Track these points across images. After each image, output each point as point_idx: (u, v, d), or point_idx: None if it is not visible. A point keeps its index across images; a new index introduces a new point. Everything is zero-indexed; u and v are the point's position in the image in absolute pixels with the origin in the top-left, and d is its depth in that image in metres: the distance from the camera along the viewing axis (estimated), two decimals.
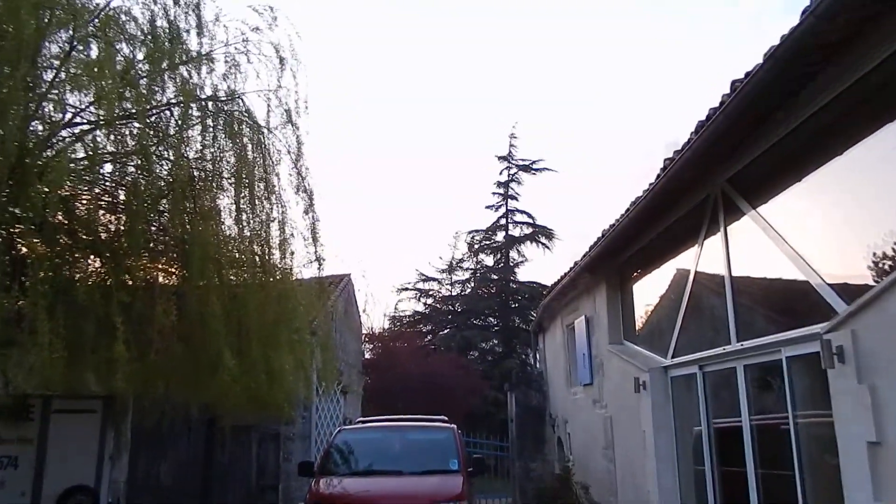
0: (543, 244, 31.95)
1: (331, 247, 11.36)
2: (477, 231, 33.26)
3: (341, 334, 16.26)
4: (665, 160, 7.50)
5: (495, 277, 32.77)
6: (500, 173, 32.83)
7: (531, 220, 32.36)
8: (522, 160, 32.76)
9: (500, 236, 32.76)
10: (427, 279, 33.75)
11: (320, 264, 9.09)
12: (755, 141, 6.42)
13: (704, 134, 6.42)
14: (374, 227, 51.62)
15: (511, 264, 32.23)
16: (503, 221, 32.64)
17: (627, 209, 8.84)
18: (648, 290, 10.28)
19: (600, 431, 11.41)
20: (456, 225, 64.45)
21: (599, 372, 11.67)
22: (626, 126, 50.98)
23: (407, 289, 33.53)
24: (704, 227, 7.81)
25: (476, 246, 33.34)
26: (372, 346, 27.01)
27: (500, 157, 32.77)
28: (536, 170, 32.50)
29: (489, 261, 33.06)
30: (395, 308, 33.30)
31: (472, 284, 33.47)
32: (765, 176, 6.64)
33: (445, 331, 32.12)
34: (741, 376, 6.70)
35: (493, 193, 32.81)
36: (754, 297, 6.88)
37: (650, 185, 7.98)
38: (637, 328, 10.70)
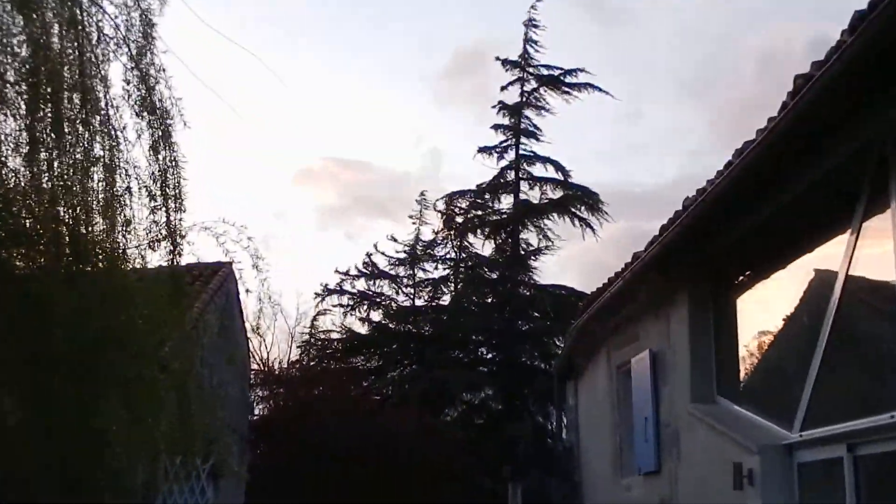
0: (582, 219, 32.11)
1: (200, 213, 11.35)
2: (463, 192, 33.39)
3: (214, 370, 16.08)
4: (796, 79, 7.56)
5: (493, 276, 32.92)
6: (506, 88, 32.97)
7: (561, 177, 32.50)
8: (548, 68, 32.91)
9: (504, 202, 33.11)
10: (373, 275, 33.80)
11: (177, 244, 9.08)
12: None
13: (868, 33, 6.42)
14: (283, 180, 51.89)
15: (522, 253, 32.47)
16: (510, 176, 32.79)
17: (729, 164, 8.92)
18: (762, 308, 10.40)
19: None
20: (426, 181, 64.68)
21: (672, 451, 11.81)
22: (735, 24, 51.10)
23: (338, 290, 33.54)
24: (863, 198, 7.87)
25: (461, 220, 33.59)
26: (270, 392, 26.95)
27: (506, 62, 32.90)
28: (572, 86, 32.56)
29: (484, 248, 33.44)
30: (313, 326, 33.43)
31: (453, 289, 33.57)
32: None
33: (404, 370, 32.23)
34: None
35: (495, 127, 32.90)
36: None
37: (770, 121, 8.05)
38: (740, 374, 10.85)
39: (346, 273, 33.53)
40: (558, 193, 32.66)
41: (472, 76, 49.78)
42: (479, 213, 33.46)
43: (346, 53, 52.47)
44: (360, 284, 33.80)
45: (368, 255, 33.83)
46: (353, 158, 53.59)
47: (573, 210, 32.39)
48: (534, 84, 32.91)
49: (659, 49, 50.20)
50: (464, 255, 33.73)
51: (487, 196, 33.27)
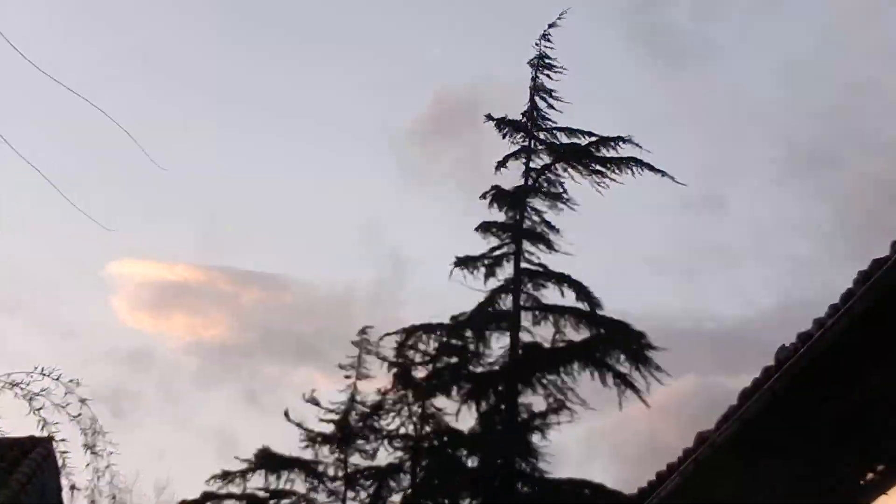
0: (619, 376, 31.75)
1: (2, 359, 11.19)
2: (429, 328, 33.55)
3: None
4: None
5: (475, 463, 32.65)
6: (503, 166, 33.59)
7: (586, 305, 32.43)
8: (570, 133, 33.54)
9: (495, 346, 33.04)
10: (277, 465, 33.77)
11: None
12: None
13: None
14: (141, 300, 51.23)
15: (521, 425, 31.92)
16: (505, 304, 32.90)
17: (849, 294, 8.83)
18: None
19: None
20: (378, 309, 65.06)
21: None
22: (873, 62, 51.17)
23: (214, 497, 33.71)
24: None
25: (423, 373, 33.89)
26: None
27: (503, 124, 33.66)
28: (609, 164, 33.00)
29: (461, 418, 32.99)
30: None
31: (409, 483, 33.35)
32: None
33: None
34: None
35: (483, 227, 33.22)
36: None
37: None
38: None
39: (228, 477, 33.52)
40: (581, 332, 32.63)
41: (457, 137, 49.40)
42: (455, 360, 33.34)
43: (255, 102, 52.40)
44: (257, 480, 33.95)
45: (263, 450, 33.69)
46: (261, 270, 52.76)
47: (606, 360, 32.04)
48: (545, 158, 33.54)
49: (753, 101, 50.09)
50: (428, 430, 33.71)
51: (469, 334, 33.18)
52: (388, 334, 34.05)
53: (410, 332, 33.69)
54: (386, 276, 49.20)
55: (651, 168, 32.61)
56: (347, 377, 34.86)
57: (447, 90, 53.58)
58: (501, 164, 33.28)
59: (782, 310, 42.99)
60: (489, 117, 33.73)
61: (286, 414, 34.04)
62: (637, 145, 32.68)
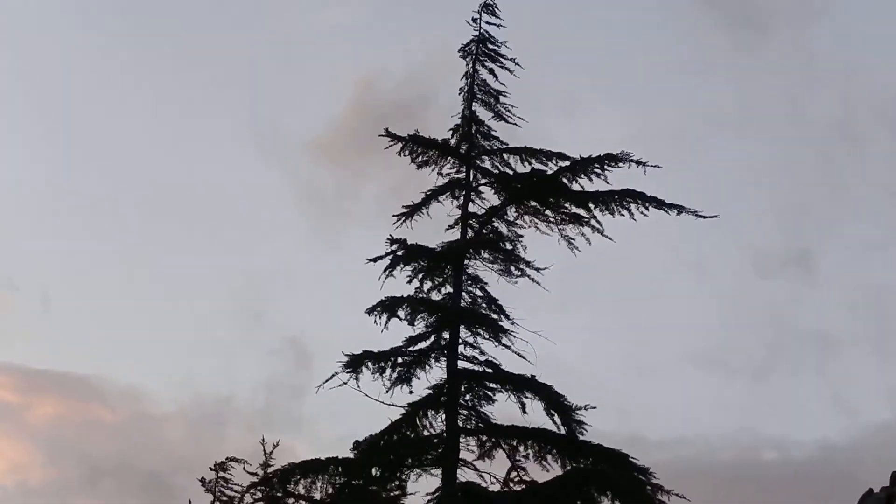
0: None
1: None
2: (311, 466, 27.22)
3: None
4: None
5: None
6: (418, 212, 28.02)
7: (562, 427, 26.36)
8: (521, 156, 27.40)
9: (415, 493, 27.23)
10: None
11: None
12: None
13: None
14: None
15: None
16: (431, 422, 26.28)
17: None
18: None
19: None
20: (252, 436, 60.12)
21: None
22: None
23: None
24: None
25: None
26: None
27: (415, 144, 27.77)
28: (587, 204, 26.83)
29: None
30: None
31: None
32: None
33: None
34: None
35: (381, 308, 26.61)
36: None
37: None
38: None
39: None
40: (553, 468, 26.16)
41: (389, 154, 40.67)
42: None
43: None
44: None
45: None
46: (64, 370, 43.78)
47: None
48: (492, 198, 27.69)
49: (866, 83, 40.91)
50: None
51: (376, 471, 26.86)
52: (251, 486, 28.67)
53: (284, 475, 26.68)
54: (280, 377, 39.29)
55: (660, 204, 26.04)
56: None
57: (375, 82, 45.09)
58: (415, 209, 27.08)
59: None
60: (390, 135, 27.25)
61: None
62: (639, 162, 25.91)
